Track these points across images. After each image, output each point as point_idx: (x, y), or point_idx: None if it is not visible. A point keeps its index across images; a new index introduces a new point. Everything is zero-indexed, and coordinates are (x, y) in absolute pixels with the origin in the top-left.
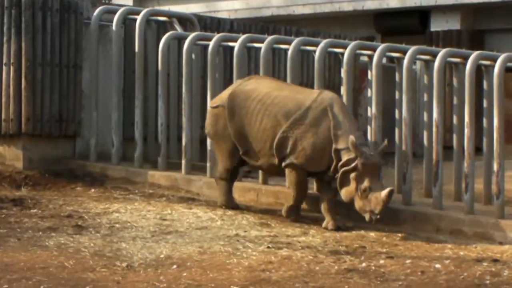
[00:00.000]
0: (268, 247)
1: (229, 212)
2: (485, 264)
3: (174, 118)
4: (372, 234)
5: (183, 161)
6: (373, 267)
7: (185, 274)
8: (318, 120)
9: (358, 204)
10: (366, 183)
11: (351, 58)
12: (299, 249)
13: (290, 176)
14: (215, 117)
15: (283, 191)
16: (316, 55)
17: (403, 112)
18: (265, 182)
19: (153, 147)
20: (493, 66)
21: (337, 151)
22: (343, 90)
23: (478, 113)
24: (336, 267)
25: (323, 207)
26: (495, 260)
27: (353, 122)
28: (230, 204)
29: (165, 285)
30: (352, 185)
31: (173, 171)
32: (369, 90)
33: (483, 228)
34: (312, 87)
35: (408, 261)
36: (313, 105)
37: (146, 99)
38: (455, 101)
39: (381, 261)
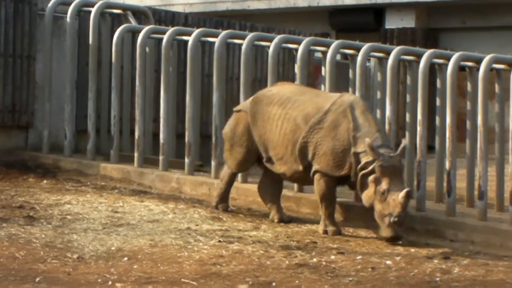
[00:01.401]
0: (219, 241)
1: (181, 206)
2: (435, 261)
3: (127, 111)
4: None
5: (136, 154)
6: (324, 263)
7: (135, 266)
8: (337, 123)
9: (377, 208)
10: (384, 186)
11: (305, 54)
12: (250, 244)
13: (317, 186)
14: (236, 121)
15: (235, 186)
16: (270, 50)
17: None
18: (217, 176)
19: (105, 139)
20: (447, 65)
21: (356, 154)
22: None
23: (431, 111)
24: (287, 262)
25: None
26: (446, 258)
27: (374, 124)
28: (223, 207)
29: (115, 277)
30: (371, 188)
31: (126, 163)
32: (322, 87)
33: (435, 226)
34: (265, 82)
35: (359, 257)
36: (332, 108)
37: (99, 92)
38: (408, 99)
39: (332, 257)
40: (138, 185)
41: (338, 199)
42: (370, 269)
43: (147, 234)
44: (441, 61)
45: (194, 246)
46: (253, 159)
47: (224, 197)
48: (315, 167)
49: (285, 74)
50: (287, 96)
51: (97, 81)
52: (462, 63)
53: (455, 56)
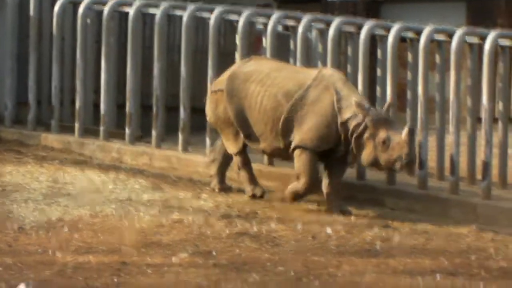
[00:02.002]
0: (160, 210)
1: (122, 176)
2: (376, 229)
3: (68, 82)
4: (264, 198)
5: (77, 125)
6: (265, 232)
7: (76, 236)
8: (320, 98)
9: (383, 159)
10: (382, 135)
11: (246, 26)
12: (191, 213)
13: (298, 161)
14: (215, 102)
15: (176, 156)
16: (211, 22)
17: None
18: (158, 146)
19: (47, 110)
20: (387, 36)
21: (344, 123)
22: (237, 57)
23: (372, 82)
24: (227, 231)
25: (326, 192)
26: (386, 226)
27: (357, 93)
28: (258, 190)
29: (56, 247)
30: (369, 146)
31: (67, 134)
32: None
33: (375, 194)
34: (206, 54)
35: (299, 226)
36: (313, 83)
37: (40, 63)
38: (349, 69)
39: (273, 226)
40: (79, 155)
41: (274, 168)
42: (310, 238)
43: (88, 204)
44: (382, 32)
45: (134, 215)
46: None
47: (254, 181)
48: (295, 143)
49: (226, 46)
50: (265, 72)
51: (38, 53)
52: (403, 34)
53: (396, 27)
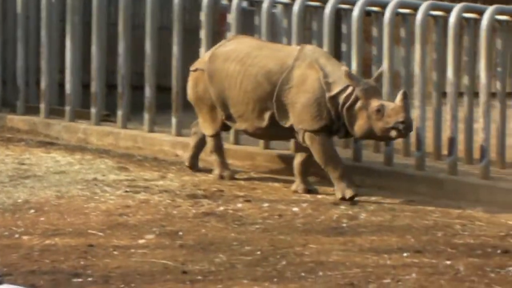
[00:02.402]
0: (126, 191)
1: (88, 157)
2: (342, 207)
3: (33, 62)
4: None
5: (42, 105)
6: (231, 211)
7: (42, 218)
8: (305, 76)
9: (378, 128)
10: (375, 103)
11: (211, 2)
12: (157, 193)
13: (312, 149)
14: (195, 80)
15: (141, 135)
16: None
17: None
18: (123, 126)
19: (12, 91)
20: (352, 10)
21: (333, 98)
22: (202, 33)
23: (337, 56)
24: (193, 211)
25: (296, 170)
26: (353, 204)
27: (342, 68)
28: (227, 174)
29: (22, 229)
30: (361, 115)
31: (32, 115)
32: (228, 34)
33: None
34: (171, 31)
35: (265, 204)
36: (295, 63)
37: (5, 43)
38: (314, 44)
39: (239, 205)
40: (45, 136)
41: (243, 147)
42: (277, 216)
43: (54, 185)
44: (346, 6)
45: (100, 196)
46: None
47: (225, 164)
48: (299, 127)
49: (191, 22)
50: (246, 51)
51: (2, 32)
52: (368, 8)
53: (361, 1)
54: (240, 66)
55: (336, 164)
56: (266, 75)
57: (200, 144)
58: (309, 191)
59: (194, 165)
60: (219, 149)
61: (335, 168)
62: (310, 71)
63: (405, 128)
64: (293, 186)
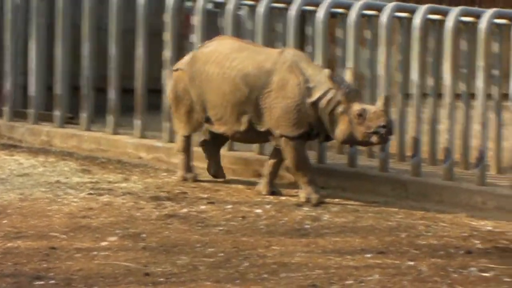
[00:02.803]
0: (90, 193)
1: (51, 159)
2: (305, 208)
3: None
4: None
5: (5, 108)
6: (194, 213)
7: (5, 221)
8: (285, 81)
9: (359, 132)
10: (357, 107)
11: (175, 4)
12: (120, 195)
13: (285, 152)
14: (175, 80)
15: (105, 138)
16: (140, 0)
17: None
18: (87, 128)
19: None
20: (317, 12)
21: (314, 103)
22: (167, 35)
23: None
24: (156, 213)
25: (267, 171)
26: (316, 205)
27: (322, 70)
28: (192, 178)
29: None
30: (343, 120)
31: None
32: (193, 36)
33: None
34: (136, 32)
35: (229, 206)
36: (275, 67)
37: None
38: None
39: (202, 207)
40: (9, 139)
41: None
42: (240, 218)
43: (17, 188)
44: (311, 8)
45: (64, 199)
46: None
47: (190, 167)
48: (276, 132)
49: (156, 24)
50: (225, 53)
51: None
52: (333, 9)
53: (325, 2)
54: (219, 68)
55: (307, 170)
56: (245, 78)
57: (212, 153)
58: (273, 192)
59: (216, 175)
60: (186, 151)
61: (305, 174)
62: (290, 76)
63: (386, 132)
64: (258, 187)
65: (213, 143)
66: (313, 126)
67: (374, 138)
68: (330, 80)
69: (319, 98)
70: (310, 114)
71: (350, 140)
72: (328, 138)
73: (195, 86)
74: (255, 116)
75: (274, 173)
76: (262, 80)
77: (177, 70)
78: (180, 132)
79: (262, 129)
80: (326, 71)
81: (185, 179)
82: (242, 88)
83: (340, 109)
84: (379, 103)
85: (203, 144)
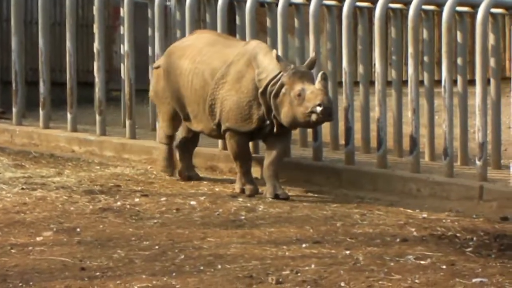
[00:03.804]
0: (23, 188)
1: None
2: (240, 199)
3: None
4: (127, 172)
5: None
6: (128, 206)
7: None
8: (241, 74)
9: (299, 112)
10: (297, 87)
11: None
12: (54, 190)
13: (228, 144)
14: (155, 78)
15: (37, 132)
16: None
17: (156, 49)
18: (19, 123)
19: None
20: (245, 2)
21: (263, 92)
22: (95, 28)
23: None
24: (91, 207)
25: (264, 173)
26: (251, 196)
27: (281, 64)
28: (170, 172)
29: None
30: (286, 102)
31: None
32: (121, 28)
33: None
34: (64, 26)
35: (163, 198)
36: (235, 59)
37: None
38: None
39: (136, 200)
40: None
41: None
42: (174, 210)
43: None
44: None
45: None
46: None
47: (171, 163)
48: (223, 125)
49: (84, 16)
50: (198, 48)
51: None
52: None
53: None
54: (192, 63)
55: (245, 161)
56: (212, 72)
57: (187, 153)
58: (276, 196)
59: (190, 177)
60: (166, 147)
61: (243, 164)
62: (247, 69)
63: (323, 111)
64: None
65: (190, 143)
66: (264, 119)
67: (313, 117)
68: (277, 60)
69: (267, 85)
70: (261, 107)
71: (294, 122)
72: (271, 131)
73: (170, 81)
74: (208, 108)
75: (271, 175)
76: (222, 71)
77: (157, 67)
78: (166, 132)
79: (214, 122)
80: (274, 52)
81: (164, 170)
82: (209, 82)
83: (283, 90)
84: (317, 81)
85: (180, 145)
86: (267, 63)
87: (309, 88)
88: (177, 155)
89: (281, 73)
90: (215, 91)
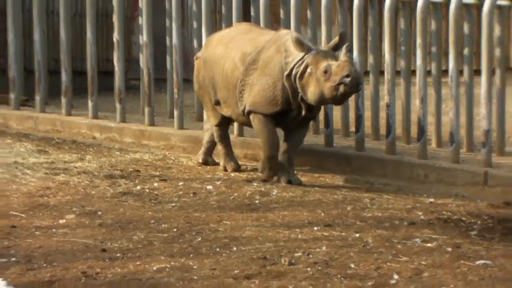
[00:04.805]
0: (46, 173)
1: (8, 141)
2: (255, 184)
3: None
4: (146, 157)
5: None
6: (147, 190)
7: None
8: (270, 59)
9: (327, 88)
10: (322, 65)
11: None
12: (76, 174)
13: (254, 125)
14: (196, 69)
15: (59, 119)
16: None
17: (174, 39)
18: (42, 110)
19: None
20: None
21: (288, 75)
22: (115, 18)
23: None
24: (111, 191)
25: (280, 159)
26: (265, 180)
27: (304, 46)
28: (230, 165)
29: None
30: (312, 82)
31: None
32: (139, 18)
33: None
34: (84, 16)
35: (181, 183)
36: (266, 45)
37: None
38: (224, 28)
39: (155, 184)
40: None
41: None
42: (191, 194)
43: None
44: None
45: (21, 179)
46: None
47: (230, 156)
48: (247, 107)
49: (104, 7)
50: (232, 36)
51: None
52: None
53: None
54: (224, 50)
55: (269, 145)
56: (242, 57)
57: (213, 140)
58: (289, 182)
59: (206, 162)
60: (223, 140)
61: (267, 149)
62: (276, 54)
63: (352, 81)
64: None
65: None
66: (290, 103)
67: (341, 89)
68: (298, 44)
69: (292, 68)
70: (286, 89)
71: (321, 99)
72: (300, 114)
73: (207, 70)
74: (238, 93)
75: (287, 162)
76: (253, 57)
77: (198, 58)
78: (211, 122)
79: (241, 107)
80: (294, 34)
81: (225, 169)
82: (239, 67)
83: (308, 71)
84: (342, 54)
85: (210, 130)
86: (294, 49)
87: (334, 63)
88: (205, 137)
89: (305, 55)
90: (245, 76)
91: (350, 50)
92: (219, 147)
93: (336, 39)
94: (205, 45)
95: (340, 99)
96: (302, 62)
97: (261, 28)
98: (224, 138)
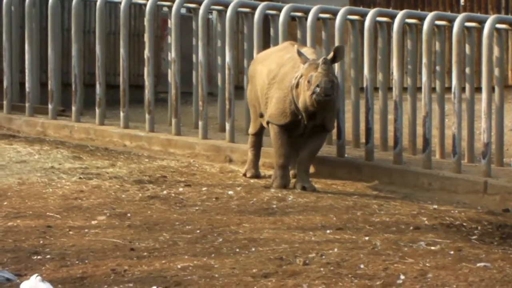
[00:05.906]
0: (80, 177)
1: (46, 147)
2: (272, 190)
3: None
4: (172, 164)
5: (5, 102)
6: (173, 194)
7: (6, 203)
8: (286, 75)
9: (307, 96)
10: (309, 75)
11: (153, 9)
12: (108, 179)
13: (271, 135)
14: (248, 83)
15: (93, 128)
16: (122, 5)
17: (199, 56)
18: (77, 120)
19: None
20: (279, 15)
21: (292, 88)
22: (146, 37)
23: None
24: (140, 195)
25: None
26: (276, 188)
27: (302, 58)
28: (250, 173)
29: None
30: (301, 90)
31: None
32: (169, 37)
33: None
34: (118, 35)
35: (204, 188)
36: (287, 62)
37: None
38: (245, 46)
39: (180, 189)
40: (8, 129)
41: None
42: (214, 199)
43: (16, 173)
44: (273, 12)
45: (57, 183)
46: None
47: (255, 164)
48: (266, 118)
49: (136, 27)
50: (269, 53)
51: None
52: (292, 13)
53: (286, 7)
54: (261, 67)
55: (281, 155)
56: (268, 73)
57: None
58: (302, 188)
59: (257, 176)
60: (254, 148)
61: (279, 158)
62: (291, 70)
63: (320, 90)
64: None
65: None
66: (297, 114)
67: (314, 97)
68: (298, 54)
69: (296, 78)
70: (293, 101)
71: (306, 107)
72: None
73: (252, 85)
74: (262, 106)
75: (301, 169)
76: (275, 73)
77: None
78: (249, 130)
79: (267, 119)
80: (295, 47)
81: (245, 174)
82: (266, 82)
83: (300, 81)
84: (318, 67)
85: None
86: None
87: (315, 73)
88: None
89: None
90: (268, 90)
91: (325, 62)
92: (249, 153)
93: (332, 53)
94: (251, 62)
95: (317, 106)
96: (301, 74)
97: (299, 45)
98: (255, 146)
